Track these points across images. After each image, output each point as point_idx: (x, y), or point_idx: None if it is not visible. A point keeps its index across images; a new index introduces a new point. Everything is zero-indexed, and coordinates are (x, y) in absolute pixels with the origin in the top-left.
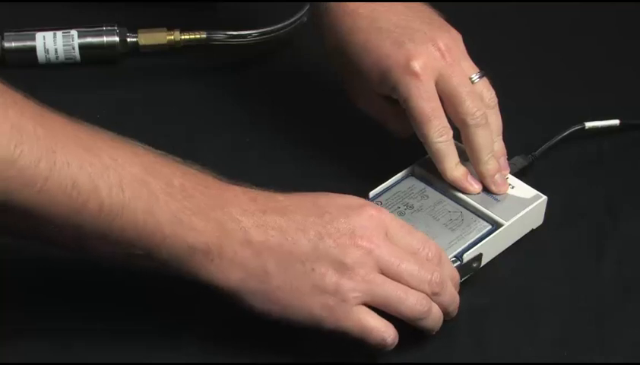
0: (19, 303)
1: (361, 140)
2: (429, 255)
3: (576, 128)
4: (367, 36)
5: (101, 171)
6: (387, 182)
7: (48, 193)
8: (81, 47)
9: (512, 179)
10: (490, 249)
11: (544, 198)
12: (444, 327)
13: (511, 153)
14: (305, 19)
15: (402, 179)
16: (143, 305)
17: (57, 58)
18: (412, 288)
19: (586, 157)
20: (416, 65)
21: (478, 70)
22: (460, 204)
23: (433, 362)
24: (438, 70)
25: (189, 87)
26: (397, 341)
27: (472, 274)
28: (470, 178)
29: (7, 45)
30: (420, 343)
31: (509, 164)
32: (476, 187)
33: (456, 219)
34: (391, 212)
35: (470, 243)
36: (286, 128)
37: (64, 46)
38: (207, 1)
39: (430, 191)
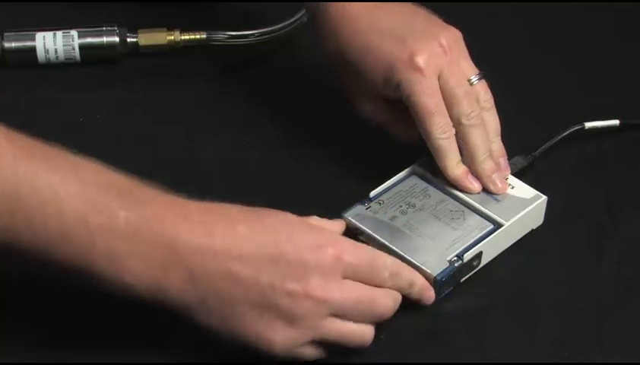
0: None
1: (361, 140)
2: (386, 280)
3: (576, 128)
4: (368, 37)
5: (39, 205)
6: (388, 181)
7: None
8: (81, 47)
9: (512, 179)
10: (491, 248)
11: (544, 198)
12: (444, 327)
13: (511, 153)
14: (305, 19)
15: (404, 178)
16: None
17: (57, 58)
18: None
19: (586, 157)
20: (420, 61)
21: (477, 71)
22: (462, 204)
23: (433, 362)
24: (440, 67)
25: (189, 88)
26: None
27: (472, 274)
28: (470, 177)
29: (7, 45)
30: (420, 343)
31: (509, 164)
32: (476, 186)
33: (458, 218)
34: (393, 211)
35: (472, 243)
36: (286, 128)
37: (64, 46)
38: (207, 1)
39: (432, 190)
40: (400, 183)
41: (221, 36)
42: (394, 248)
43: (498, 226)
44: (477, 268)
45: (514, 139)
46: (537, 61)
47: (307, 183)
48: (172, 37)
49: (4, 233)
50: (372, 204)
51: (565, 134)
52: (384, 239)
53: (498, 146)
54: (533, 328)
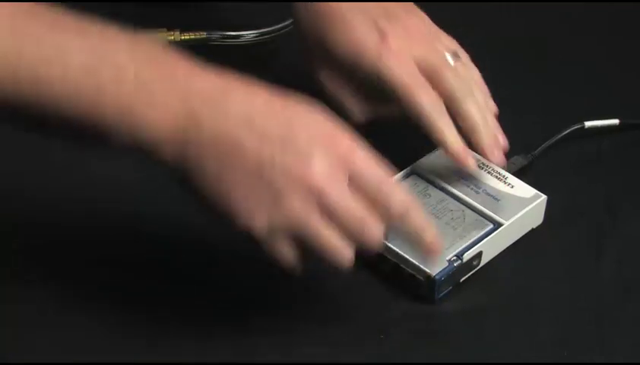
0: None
1: (361, 139)
2: (389, 198)
3: (576, 127)
4: (345, 15)
5: (43, 61)
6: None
7: None
8: None
9: (512, 179)
10: (490, 247)
11: (544, 197)
12: (444, 327)
13: (511, 153)
14: None
15: (404, 177)
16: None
17: None
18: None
19: (586, 156)
20: (394, 44)
21: (452, 51)
22: (462, 203)
23: (433, 362)
24: (413, 50)
25: None
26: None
27: (472, 274)
28: (469, 152)
29: None
30: (420, 343)
31: (509, 163)
32: (474, 164)
33: (458, 218)
34: None
35: (471, 243)
36: None
37: None
38: (208, 1)
39: (432, 190)
40: (399, 183)
41: (221, 36)
42: (393, 247)
43: (498, 225)
44: (477, 268)
45: (514, 139)
46: (537, 61)
47: None
48: (172, 37)
49: (10, 94)
50: None
51: (565, 133)
52: (383, 238)
53: (492, 120)
54: (533, 328)
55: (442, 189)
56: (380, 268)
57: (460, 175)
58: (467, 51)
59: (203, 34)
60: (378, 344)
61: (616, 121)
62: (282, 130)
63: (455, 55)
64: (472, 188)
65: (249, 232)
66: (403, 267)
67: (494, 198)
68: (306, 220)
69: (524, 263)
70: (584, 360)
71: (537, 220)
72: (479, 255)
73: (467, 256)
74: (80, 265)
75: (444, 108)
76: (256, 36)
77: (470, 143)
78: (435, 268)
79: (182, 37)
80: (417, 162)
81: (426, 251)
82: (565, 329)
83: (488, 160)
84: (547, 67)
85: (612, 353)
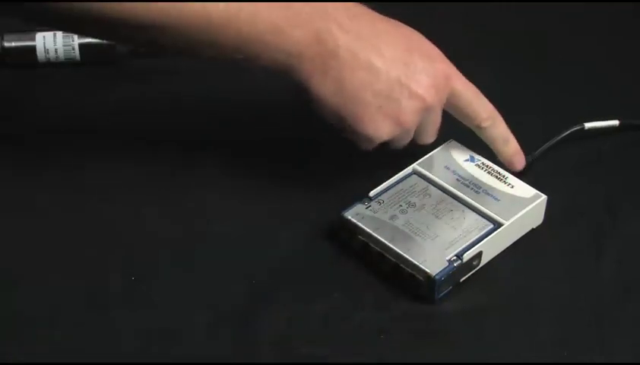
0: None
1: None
2: (484, 120)
3: (576, 128)
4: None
5: None
6: (388, 180)
7: (157, 6)
8: (81, 47)
9: (512, 179)
10: (490, 247)
11: (544, 197)
12: (444, 327)
13: None
14: None
15: (404, 177)
16: None
17: (57, 57)
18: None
19: (586, 157)
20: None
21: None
22: (462, 203)
23: (433, 362)
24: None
25: (189, 87)
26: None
27: (472, 274)
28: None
29: (7, 44)
30: (420, 343)
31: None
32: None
33: (457, 218)
34: (393, 210)
35: (471, 242)
36: (286, 126)
37: (64, 46)
38: None
39: (432, 189)
40: (400, 182)
41: None
42: (393, 247)
43: (498, 225)
44: (477, 268)
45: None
46: (536, 61)
47: (307, 183)
48: None
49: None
50: (372, 203)
51: (565, 134)
52: (384, 238)
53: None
54: (533, 328)
55: (442, 189)
56: (380, 268)
57: (460, 175)
58: (467, 51)
59: None
60: (378, 344)
61: (616, 122)
62: (405, 55)
63: None
64: (472, 188)
65: (372, 141)
66: (403, 267)
67: (494, 198)
68: (412, 124)
69: (524, 263)
70: (584, 360)
71: (537, 220)
72: (479, 255)
73: (467, 256)
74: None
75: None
76: None
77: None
78: (435, 268)
79: None
80: (417, 162)
81: (509, 156)
82: (565, 329)
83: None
84: (547, 67)
85: (612, 353)
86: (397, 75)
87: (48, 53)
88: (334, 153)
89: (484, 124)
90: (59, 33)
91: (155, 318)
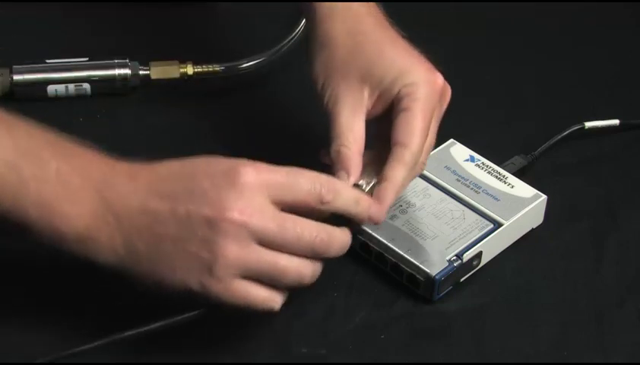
0: None
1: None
2: (324, 196)
3: (576, 127)
4: (393, 38)
5: None
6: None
7: None
8: (92, 81)
9: (512, 179)
10: (490, 248)
11: (544, 197)
12: (444, 327)
13: (511, 153)
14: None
15: None
16: None
17: (67, 91)
18: (294, 254)
19: (586, 157)
20: (441, 80)
21: None
22: (462, 203)
23: (433, 362)
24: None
25: (200, 118)
26: (283, 301)
27: (472, 273)
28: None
29: (16, 78)
30: (420, 342)
31: (509, 163)
32: (379, 217)
33: (458, 217)
34: (393, 210)
35: (471, 242)
36: (286, 126)
37: (75, 86)
38: (210, 1)
39: (432, 189)
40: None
41: (232, 66)
42: (393, 247)
43: (498, 225)
44: (477, 268)
45: (515, 139)
46: (536, 61)
47: None
48: (185, 70)
49: None
50: None
51: (565, 134)
52: (383, 238)
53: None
54: (533, 328)
55: (442, 189)
56: (380, 268)
57: (460, 175)
58: (468, 51)
59: (216, 67)
60: (378, 344)
61: (616, 121)
62: (186, 184)
63: None
64: (472, 189)
65: (200, 293)
66: (403, 267)
67: (494, 198)
68: (249, 255)
69: (524, 263)
70: (584, 360)
71: (537, 220)
72: (479, 255)
73: (467, 256)
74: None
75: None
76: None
77: None
78: (434, 268)
79: (195, 70)
80: None
81: (367, 214)
82: (565, 329)
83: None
84: (547, 67)
85: (612, 353)
86: (185, 209)
87: (57, 91)
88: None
89: (326, 199)
90: (71, 86)
91: (154, 317)
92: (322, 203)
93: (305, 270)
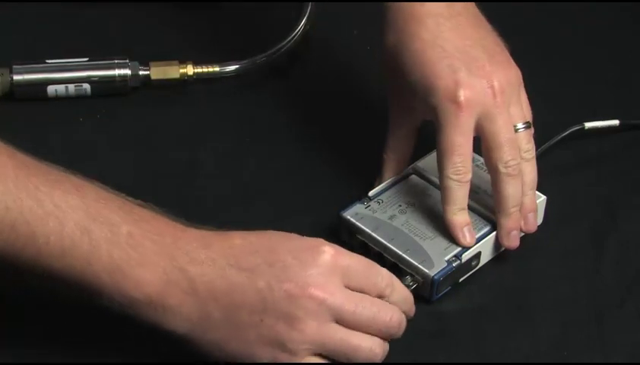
0: None
1: (361, 139)
2: (384, 289)
3: (576, 128)
4: (425, 49)
5: (41, 217)
6: (388, 180)
7: None
8: (92, 82)
9: None
10: (490, 248)
11: (543, 197)
12: (444, 327)
13: None
14: (309, 27)
15: (403, 177)
16: None
17: (67, 91)
18: (367, 333)
19: (586, 157)
20: (462, 96)
21: (525, 118)
22: None
23: (433, 362)
24: (483, 107)
25: (200, 118)
26: None
27: (471, 274)
28: (466, 229)
29: (16, 78)
30: (420, 343)
31: None
32: (468, 241)
33: None
34: (392, 210)
35: None
36: (286, 126)
37: (75, 86)
38: (211, 1)
39: (432, 190)
40: (399, 182)
41: (233, 66)
42: (392, 247)
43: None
44: (476, 268)
45: None
46: (536, 61)
47: (307, 183)
48: (185, 70)
49: (5, 247)
50: (371, 203)
51: (565, 134)
52: (383, 238)
53: (530, 200)
54: (534, 328)
55: None
56: None
57: None
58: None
59: (215, 67)
60: None
61: (616, 121)
62: (266, 257)
63: (526, 126)
64: (472, 189)
65: None
66: (403, 267)
67: (493, 198)
68: (324, 333)
69: (523, 263)
70: (584, 360)
71: (537, 220)
72: (478, 255)
73: (465, 256)
74: None
75: (467, 179)
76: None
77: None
78: (433, 268)
79: (195, 70)
80: (417, 162)
81: (408, 313)
82: (565, 329)
83: (501, 242)
84: (547, 67)
85: (612, 353)
86: (267, 282)
87: (57, 91)
88: (333, 153)
89: (384, 293)
90: (71, 86)
91: None
92: (381, 296)
93: (378, 349)
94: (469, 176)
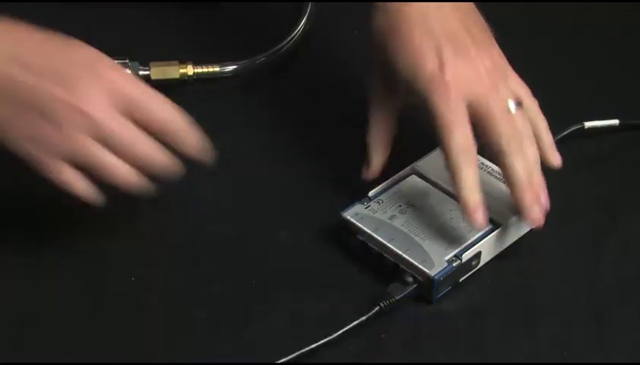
0: None
1: (361, 139)
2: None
3: (575, 128)
4: (413, 31)
5: None
6: (388, 180)
7: None
8: None
9: None
10: (490, 248)
11: None
12: (444, 327)
13: None
14: (309, 27)
15: (403, 177)
16: None
17: None
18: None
19: (585, 156)
20: (449, 75)
21: (516, 98)
22: None
23: (433, 362)
24: (472, 91)
25: (200, 118)
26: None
27: (471, 274)
28: (482, 209)
29: None
30: (420, 342)
31: None
32: (482, 222)
33: (457, 218)
34: (392, 210)
35: (470, 243)
36: (286, 126)
37: None
38: (211, 1)
39: (432, 190)
40: (399, 183)
41: (232, 67)
42: (392, 247)
43: (497, 225)
44: (476, 268)
45: None
46: (536, 61)
47: (307, 183)
48: (185, 71)
49: None
50: (371, 203)
51: (564, 134)
52: (383, 238)
53: (538, 177)
54: (533, 328)
55: (442, 189)
56: (380, 268)
57: None
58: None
59: (215, 67)
60: (378, 344)
61: (615, 121)
62: (56, 65)
63: (518, 103)
64: None
65: (36, 161)
66: (403, 267)
67: (493, 198)
68: (81, 143)
69: (523, 263)
70: (584, 360)
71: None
72: (478, 255)
73: (466, 256)
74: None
75: (473, 155)
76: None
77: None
78: (434, 268)
79: (195, 70)
80: (417, 162)
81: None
82: (565, 329)
83: (525, 219)
84: (547, 67)
85: (612, 353)
86: (47, 87)
87: None
88: (333, 153)
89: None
90: None
91: (155, 317)
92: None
93: (132, 176)
94: (476, 147)
